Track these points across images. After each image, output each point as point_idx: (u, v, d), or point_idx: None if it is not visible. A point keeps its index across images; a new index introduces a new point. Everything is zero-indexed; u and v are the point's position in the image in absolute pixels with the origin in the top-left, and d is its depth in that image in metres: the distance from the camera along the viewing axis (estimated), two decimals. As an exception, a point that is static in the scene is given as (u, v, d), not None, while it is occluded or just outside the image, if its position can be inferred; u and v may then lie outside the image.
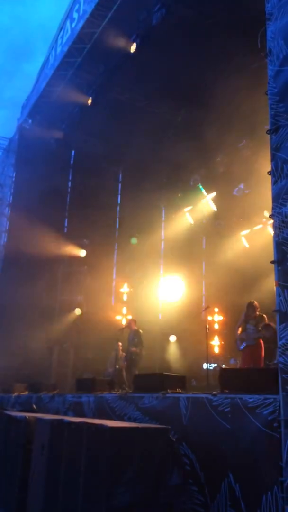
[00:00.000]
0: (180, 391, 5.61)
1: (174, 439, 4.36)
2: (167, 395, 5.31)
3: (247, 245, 14.50)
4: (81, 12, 11.23)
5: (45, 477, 4.42)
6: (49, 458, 4.47)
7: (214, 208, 15.59)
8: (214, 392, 4.64)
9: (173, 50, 10.88)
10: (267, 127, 4.58)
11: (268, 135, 4.55)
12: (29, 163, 14.52)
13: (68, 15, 12.05)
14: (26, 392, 10.00)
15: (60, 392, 8.96)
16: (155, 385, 5.75)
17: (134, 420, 5.61)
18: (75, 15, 11.59)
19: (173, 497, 4.10)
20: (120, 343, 11.63)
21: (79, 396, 7.33)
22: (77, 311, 14.32)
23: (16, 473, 5.06)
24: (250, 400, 4.15)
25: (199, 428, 4.69)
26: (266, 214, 13.42)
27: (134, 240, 15.61)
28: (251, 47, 6.72)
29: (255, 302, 8.79)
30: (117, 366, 11.33)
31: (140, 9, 10.01)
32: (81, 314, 14.32)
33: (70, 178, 16.03)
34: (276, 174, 4.33)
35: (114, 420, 5.93)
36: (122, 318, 14.95)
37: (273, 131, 4.43)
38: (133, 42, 10.47)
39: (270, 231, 4.38)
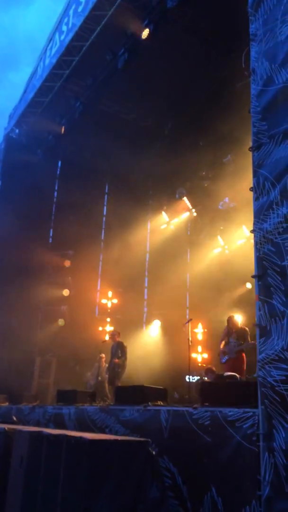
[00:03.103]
0: (161, 403, 5.62)
1: (154, 452, 4.35)
2: (148, 407, 5.31)
3: (231, 259, 14.61)
4: (70, 25, 11.33)
5: (23, 491, 4.36)
6: (28, 470, 4.42)
7: (199, 221, 15.72)
8: (194, 405, 4.66)
9: (161, 65, 11.06)
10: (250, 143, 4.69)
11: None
12: (15, 173, 14.48)
13: (57, 28, 12.15)
14: (6, 403, 9.87)
15: (41, 403, 8.88)
16: (136, 398, 5.75)
17: (115, 433, 5.59)
18: (64, 28, 11.69)
19: (152, 510, 4.08)
20: (103, 355, 11.57)
21: (60, 408, 7.28)
22: (61, 322, 14.23)
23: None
24: (230, 413, 4.18)
25: (180, 441, 4.70)
26: (246, 229, 13.60)
27: None
28: (236, 65, 6.88)
29: (235, 316, 8.87)
30: (99, 378, 11.27)
31: (129, 24, 10.13)
32: (64, 324, 14.22)
33: (56, 188, 15.99)
34: (257, 190, 4.42)
35: (95, 432, 5.90)
36: (105, 329, 14.89)
37: (255, 148, 4.53)
38: (121, 57, 10.58)
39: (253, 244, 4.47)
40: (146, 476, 4.08)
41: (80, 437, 3.91)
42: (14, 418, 8.22)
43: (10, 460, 4.84)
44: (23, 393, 10.03)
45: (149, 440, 4.43)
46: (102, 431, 5.89)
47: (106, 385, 11.02)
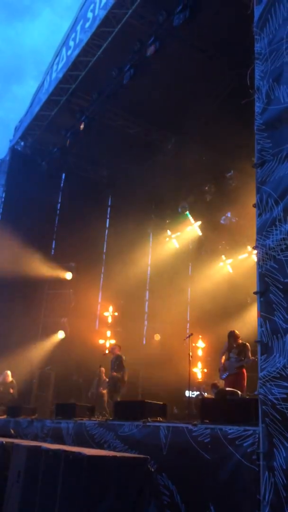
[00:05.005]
0: (161, 419, 5.56)
1: (152, 469, 4.31)
2: (148, 423, 5.26)
3: (232, 274, 14.61)
4: (77, 40, 11.50)
5: (19, 505, 4.31)
6: (25, 485, 4.37)
7: (201, 235, 15.75)
8: (194, 422, 4.62)
9: (166, 81, 11.18)
10: (254, 159, 4.72)
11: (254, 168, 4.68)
12: (19, 185, 14.57)
13: (65, 43, 12.33)
14: (5, 416, 9.79)
15: (39, 416, 8.80)
16: (136, 413, 5.70)
17: (114, 448, 5.53)
18: (71, 43, 11.86)
19: (150, 529, 4.02)
20: (102, 368, 11.50)
21: (59, 422, 7.21)
22: (61, 334, 14.17)
23: (-11, 500, 4.92)
24: (230, 431, 4.14)
25: (179, 458, 4.64)
26: (248, 244, 13.61)
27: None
28: (240, 82, 6.95)
29: (236, 332, 8.81)
30: (101, 390, 11.16)
31: (135, 40, 10.27)
32: (65, 337, 14.17)
33: (59, 200, 16.07)
34: (260, 207, 4.43)
35: (94, 447, 5.84)
36: (106, 342, 14.82)
37: (258, 165, 4.56)
38: (126, 72, 10.70)
39: (255, 260, 4.47)
40: (144, 493, 4.03)
41: (79, 453, 3.87)
42: (12, 431, 8.15)
43: (8, 474, 4.79)
44: (22, 406, 9.94)
45: (148, 457, 4.38)
46: (100, 446, 5.83)
47: (105, 399, 10.93)
